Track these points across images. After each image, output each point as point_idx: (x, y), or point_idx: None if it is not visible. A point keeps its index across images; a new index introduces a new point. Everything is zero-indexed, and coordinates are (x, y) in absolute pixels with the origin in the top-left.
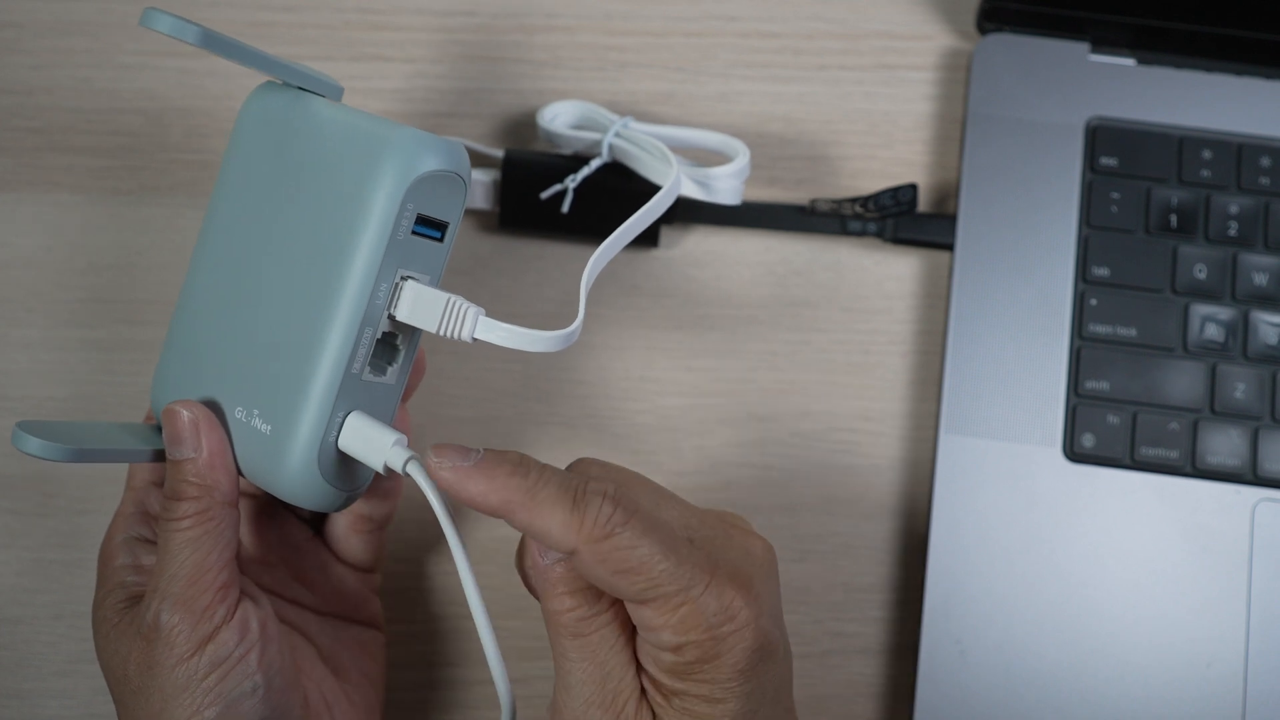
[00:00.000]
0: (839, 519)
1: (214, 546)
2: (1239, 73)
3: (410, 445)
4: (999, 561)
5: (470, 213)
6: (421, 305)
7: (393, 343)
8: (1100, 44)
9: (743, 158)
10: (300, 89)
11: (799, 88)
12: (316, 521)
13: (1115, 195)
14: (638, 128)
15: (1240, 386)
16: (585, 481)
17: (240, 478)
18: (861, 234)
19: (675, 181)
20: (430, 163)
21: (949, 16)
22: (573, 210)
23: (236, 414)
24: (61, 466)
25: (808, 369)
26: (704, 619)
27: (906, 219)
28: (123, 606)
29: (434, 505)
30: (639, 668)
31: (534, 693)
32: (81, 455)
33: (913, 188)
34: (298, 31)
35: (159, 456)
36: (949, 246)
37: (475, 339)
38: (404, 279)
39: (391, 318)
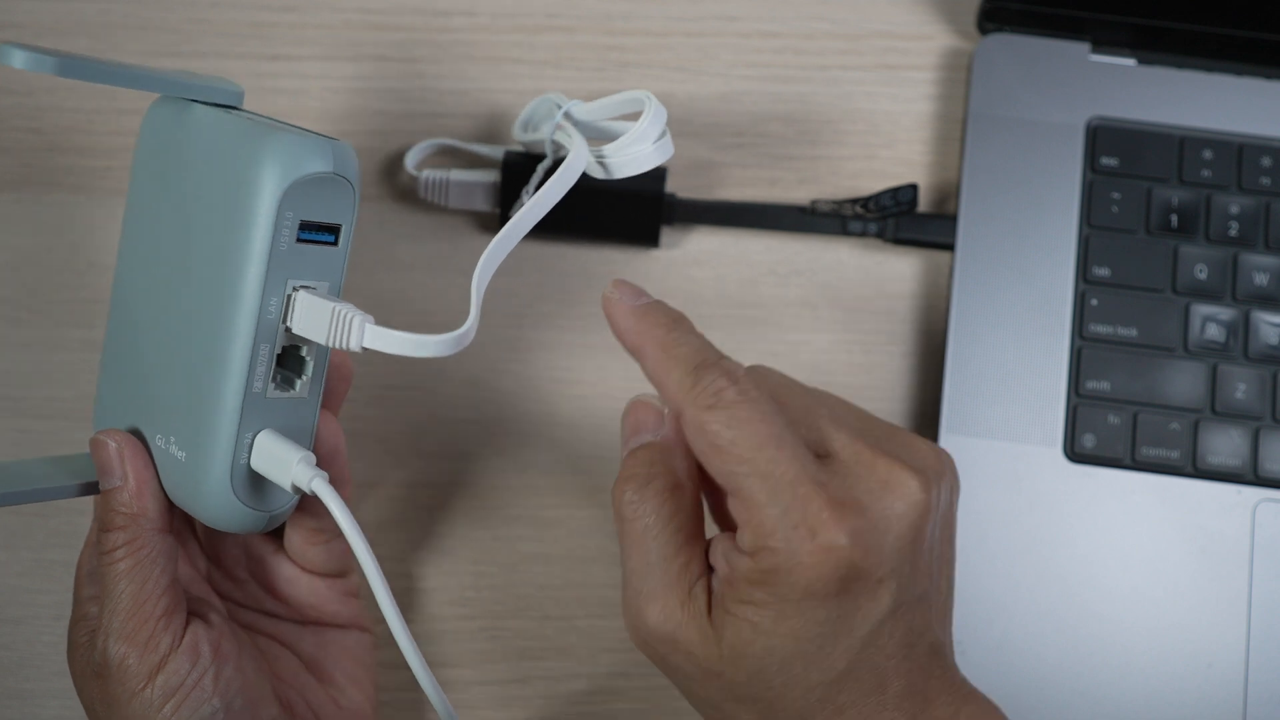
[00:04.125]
0: None
1: (149, 575)
2: (1239, 73)
3: (330, 460)
4: (999, 561)
5: (473, 215)
6: (311, 316)
7: (297, 354)
8: (1101, 44)
9: (647, 114)
10: (190, 100)
11: (800, 88)
12: (279, 534)
13: (1116, 195)
14: (582, 111)
15: (1241, 387)
16: (720, 358)
17: None
18: (862, 234)
19: (576, 159)
20: (306, 167)
21: (950, 17)
22: (572, 210)
23: (157, 441)
24: None
25: (808, 369)
26: (780, 529)
27: (907, 219)
28: (86, 640)
29: (343, 526)
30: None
31: (534, 693)
32: (3, 500)
33: (913, 188)
34: (298, 32)
35: (89, 489)
36: (949, 246)
37: (364, 348)
38: (296, 289)
39: (289, 330)
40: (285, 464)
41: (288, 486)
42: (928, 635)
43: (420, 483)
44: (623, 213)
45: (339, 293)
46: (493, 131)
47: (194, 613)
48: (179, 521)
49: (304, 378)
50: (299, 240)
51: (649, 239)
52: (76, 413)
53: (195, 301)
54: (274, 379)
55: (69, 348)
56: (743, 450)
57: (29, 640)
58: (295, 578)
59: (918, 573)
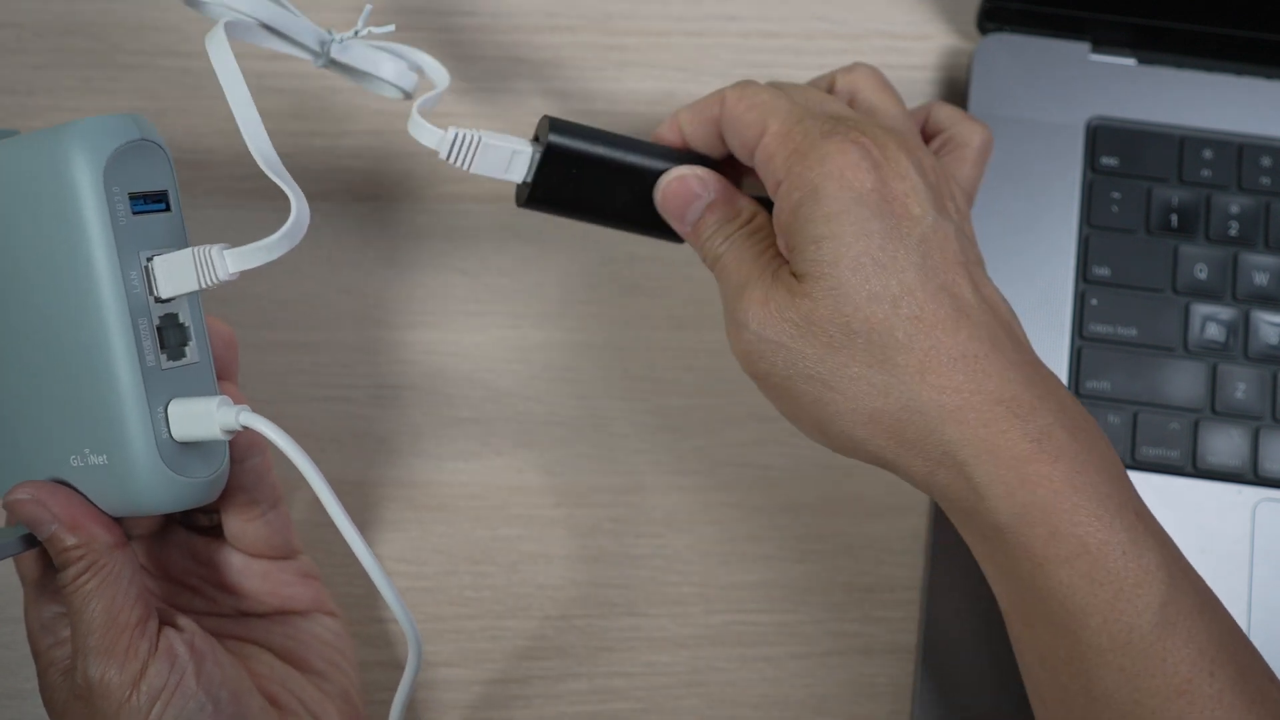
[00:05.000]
0: (839, 519)
1: (117, 589)
2: (1240, 72)
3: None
4: None
5: (471, 208)
6: (174, 272)
7: (176, 323)
8: (1101, 44)
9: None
10: None
11: None
12: (219, 532)
13: (1116, 195)
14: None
15: (1241, 386)
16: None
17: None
18: None
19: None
20: (115, 139)
21: (949, 16)
22: (599, 196)
23: (73, 463)
24: None
25: None
26: (784, 160)
27: None
28: (61, 679)
29: (279, 443)
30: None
31: (534, 693)
32: None
33: None
34: None
35: (31, 541)
36: None
37: (233, 273)
38: (150, 259)
39: (159, 299)
40: (206, 415)
41: (218, 434)
42: (988, 285)
43: (420, 483)
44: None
45: None
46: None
47: (162, 620)
48: None
49: (190, 343)
50: (134, 213)
51: (672, 233)
52: None
53: (60, 318)
54: (163, 351)
55: None
56: (757, 106)
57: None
58: (245, 566)
59: (947, 203)
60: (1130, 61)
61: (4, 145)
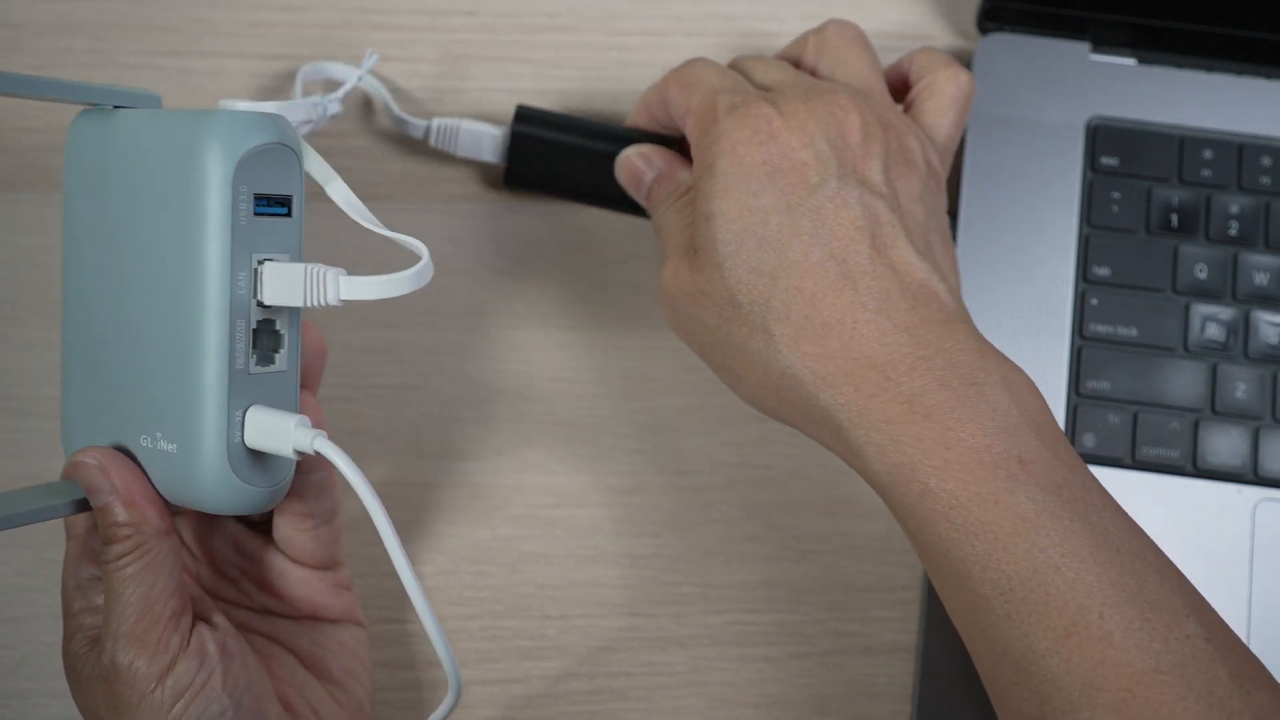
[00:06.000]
0: (839, 519)
1: (157, 578)
2: (1240, 72)
3: (318, 427)
4: None
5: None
6: (283, 282)
7: (272, 329)
8: (1101, 44)
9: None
10: (115, 107)
11: None
12: (267, 529)
13: (1116, 195)
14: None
15: (1241, 386)
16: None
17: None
18: None
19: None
20: (251, 139)
21: (950, 16)
22: (581, 175)
23: (142, 442)
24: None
25: None
26: (713, 114)
27: None
28: (86, 649)
29: (350, 477)
30: None
31: (534, 693)
32: None
33: None
34: (298, 32)
35: (82, 505)
36: None
37: (343, 300)
38: (261, 262)
39: (261, 304)
40: (283, 431)
41: (289, 452)
42: (897, 247)
43: (420, 483)
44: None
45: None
46: None
47: (197, 614)
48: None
49: (282, 350)
50: (256, 214)
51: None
52: None
53: (161, 298)
54: (254, 355)
55: None
56: (700, 80)
57: (29, 640)
58: (286, 570)
59: (862, 164)
60: (1130, 61)
61: (145, 116)
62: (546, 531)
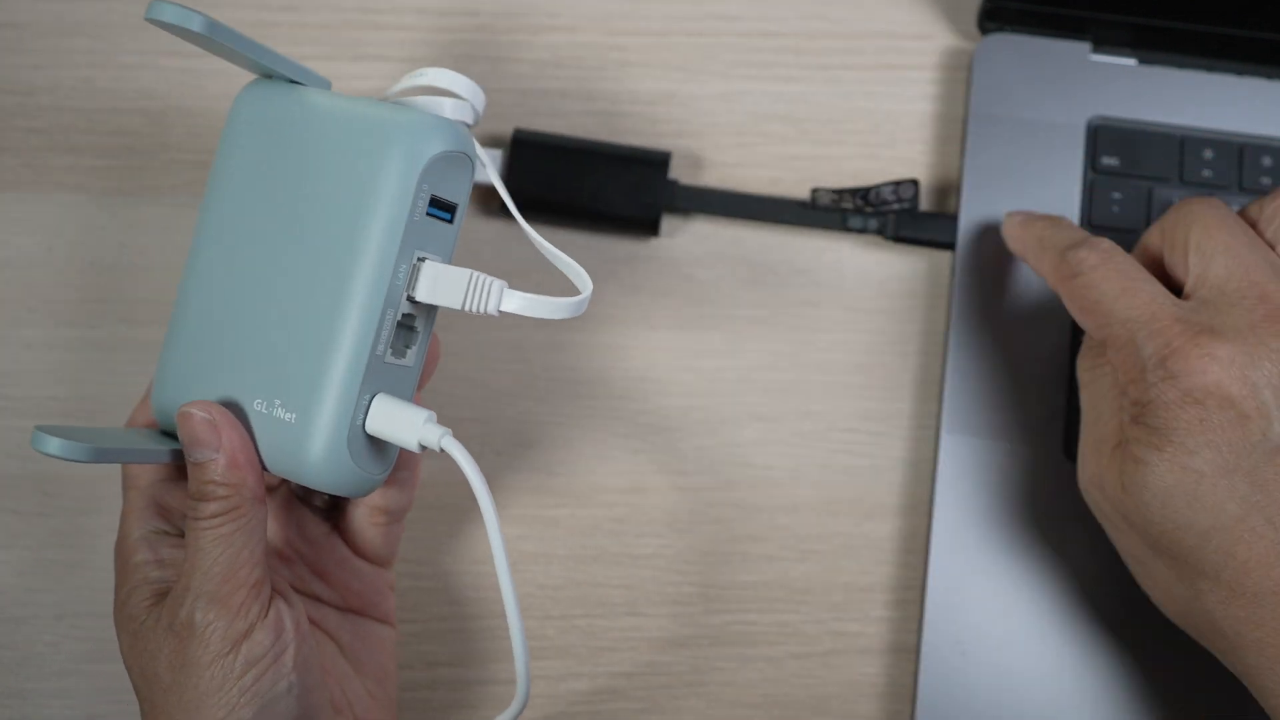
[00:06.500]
0: (839, 519)
1: (246, 543)
2: (1240, 72)
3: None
4: (1000, 561)
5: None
6: (443, 283)
7: (411, 325)
8: (1101, 44)
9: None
10: (293, 82)
11: (801, 87)
12: (333, 517)
13: (1117, 195)
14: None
15: None
16: (1087, 238)
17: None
18: (863, 231)
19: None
20: (441, 144)
21: (950, 16)
22: (573, 192)
23: (256, 406)
24: (63, 466)
25: (809, 369)
26: (1144, 364)
27: (908, 217)
28: (149, 603)
29: (471, 478)
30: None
31: (534, 692)
32: (102, 455)
33: (914, 183)
34: (298, 31)
35: (177, 457)
36: (950, 245)
37: (501, 311)
38: (420, 260)
39: (410, 299)
40: (411, 424)
41: (413, 445)
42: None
43: (421, 482)
44: (624, 197)
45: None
46: (493, 132)
47: (275, 589)
48: None
49: (414, 347)
50: (427, 214)
51: (649, 227)
52: (77, 412)
53: (310, 269)
54: (392, 345)
55: (69, 348)
56: (1104, 304)
57: (29, 640)
58: (347, 560)
59: None
60: (1131, 61)
61: (330, 97)
62: (546, 531)
